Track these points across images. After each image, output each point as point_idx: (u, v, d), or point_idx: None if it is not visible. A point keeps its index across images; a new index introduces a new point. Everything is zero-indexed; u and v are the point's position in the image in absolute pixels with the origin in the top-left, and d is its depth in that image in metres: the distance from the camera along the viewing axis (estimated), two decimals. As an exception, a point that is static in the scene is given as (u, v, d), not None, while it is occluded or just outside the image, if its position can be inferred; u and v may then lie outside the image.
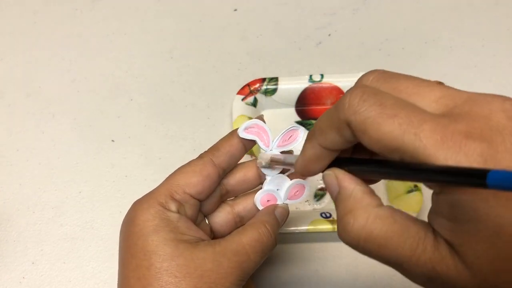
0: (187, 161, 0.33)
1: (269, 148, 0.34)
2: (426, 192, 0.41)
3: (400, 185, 0.42)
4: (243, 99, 0.47)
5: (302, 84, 0.48)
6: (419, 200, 0.40)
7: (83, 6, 0.59)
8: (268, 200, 0.35)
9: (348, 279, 0.41)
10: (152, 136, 0.49)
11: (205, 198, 0.33)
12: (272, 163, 0.33)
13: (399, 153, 0.21)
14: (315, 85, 0.48)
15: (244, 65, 0.53)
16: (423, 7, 0.56)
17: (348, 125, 0.23)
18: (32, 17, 0.58)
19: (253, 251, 0.31)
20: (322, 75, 0.48)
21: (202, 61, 0.54)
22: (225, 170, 0.34)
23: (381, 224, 0.23)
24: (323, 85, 0.48)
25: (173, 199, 0.31)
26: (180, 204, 0.32)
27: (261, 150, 0.34)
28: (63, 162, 0.47)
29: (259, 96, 0.48)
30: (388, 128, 0.21)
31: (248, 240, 0.31)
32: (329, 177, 0.26)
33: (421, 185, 0.41)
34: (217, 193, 0.34)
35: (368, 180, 0.26)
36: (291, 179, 0.35)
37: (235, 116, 0.46)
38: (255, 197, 0.34)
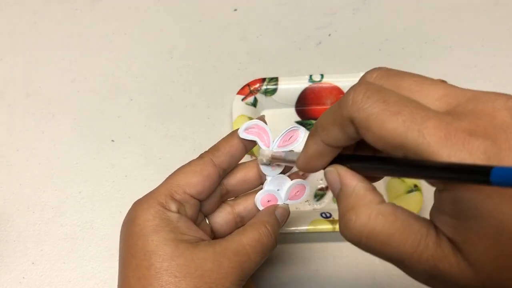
0: (187, 161, 0.33)
1: (270, 148, 0.34)
2: (426, 192, 0.41)
3: (400, 185, 0.42)
4: (243, 99, 0.47)
5: (302, 84, 0.48)
6: (419, 200, 0.40)
7: (83, 6, 0.59)
8: (268, 201, 0.35)
9: (348, 279, 0.41)
10: (152, 136, 0.49)
11: (205, 198, 0.33)
12: (273, 160, 0.33)
13: (403, 150, 0.21)
14: (315, 85, 0.48)
15: (244, 65, 0.53)
16: (423, 7, 0.56)
17: (352, 121, 0.23)
18: (32, 17, 0.58)
19: (253, 251, 0.31)
20: (322, 75, 0.48)
21: (202, 61, 0.54)
22: (226, 170, 0.34)
23: (384, 220, 0.23)
24: (323, 85, 0.48)
25: (173, 199, 0.31)
26: (180, 204, 0.32)
27: (261, 149, 0.34)
28: (63, 162, 0.47)
29: (259, 96, 0.48)
30: (392, 125, 0.21)
31: (248, 240, 0.31)
32: (331, 174, 0.26)
33: (421, 185, 0.41)
34: (217, 193, 0.34)
35: (370, 177, 0.26)
36: (291, 179, 0.35)
37: (235, 116, 0.46)
38: (256, 197, 0.34)
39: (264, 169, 0.34)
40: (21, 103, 0.51)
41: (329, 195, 0.44)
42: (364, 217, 0.23)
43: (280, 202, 0.35)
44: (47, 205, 0.45)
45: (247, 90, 0.48)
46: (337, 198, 0.26)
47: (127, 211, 0.32)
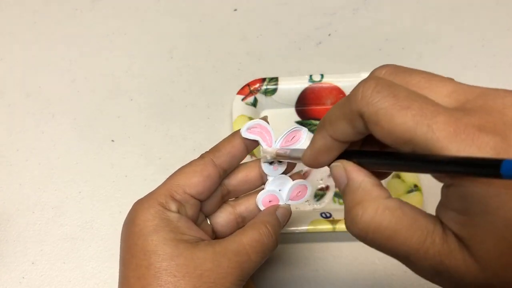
0: (187, 161, 0.33)
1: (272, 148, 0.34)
2: (426, 192, 0.41)
3: (400, 185, 0.42)
4: (243, 99, 0.47)
5: (302, 84, 0.48)
6: (419, 200, 0.40)
7: (83, 6, 0.58)
8: (270, 201, 0.34)
9: (348, 279, 0.41)
10: (152, 136, 0.49)
11: (206, 199, 0.33)
12: (278, 157, 0.33)
13: (411, 145, 0.21)
14: (315, 85, 0.48)
15: (244, 65, 0.53)
16: (423, 7, 0.56)
17: (361, 116, 0.23)
18: (32, 17, 0.58)
19: (253, 251, 0.31)
20: (322, 75, 0.48)
21: (202, 61, 0.54)
22: (226, 171, 0.34)
23: (390, 215, 0.23)
24: (323, 85, 0.47)
25: (174, 199, 0.31)
26: (180, 204, 0.32)
27: (263, 149, 0.34)
28: (63, 162, 0.47)
29: (259, 96, 0.48)
30: (401, 120, 0.21)
31: (248, 240, 0.31)
32: (338, 169, 0.26)
33: (421, 185, 0.41)
34: (218, 193, 0.34)
35: (376, 173, 0.26)
36: (293, 180, 0.35)
37: (235, 116, 0.46)
38: (257, 197, 0.34)
39: (266, 169, 0.34)
40: (21, 103, 0.51)
41: (329, 195, 0.44)
42: (370, 212, 0.23)
43: (281, 203, 0.35)
44: (47, 205, 0.45)
45: (247, 90, 0.48)
46: (343, 193, 0.25)
47: (127, 211, 0.32)
